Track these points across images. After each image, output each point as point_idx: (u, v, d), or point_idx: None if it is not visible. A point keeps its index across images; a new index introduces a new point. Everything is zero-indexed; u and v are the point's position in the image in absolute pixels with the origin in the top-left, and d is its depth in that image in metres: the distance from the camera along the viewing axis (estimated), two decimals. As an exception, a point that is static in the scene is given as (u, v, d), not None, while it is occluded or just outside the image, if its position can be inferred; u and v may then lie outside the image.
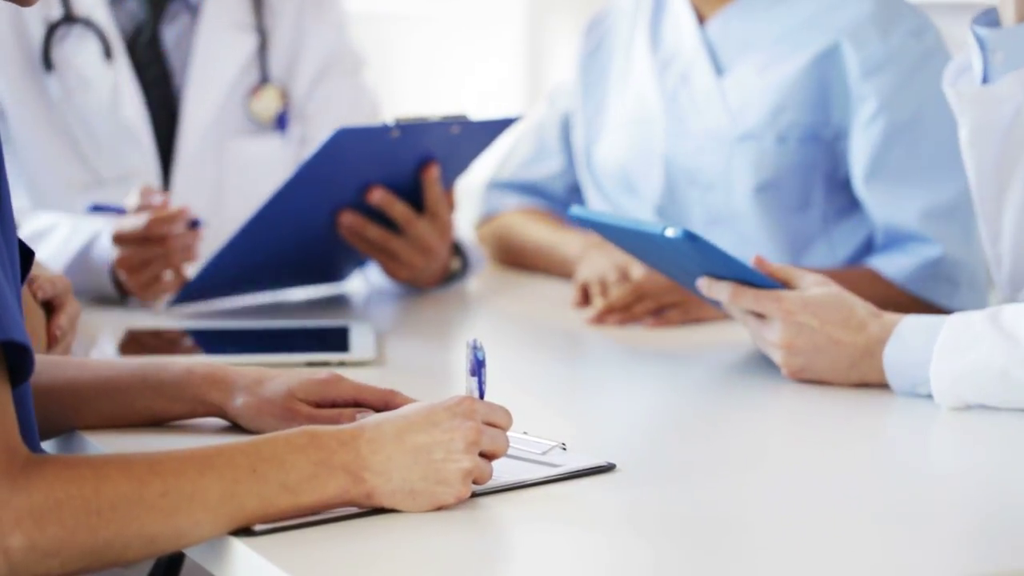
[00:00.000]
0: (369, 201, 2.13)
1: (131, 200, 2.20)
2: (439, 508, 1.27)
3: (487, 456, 1.30)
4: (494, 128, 2.19)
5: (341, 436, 1.25)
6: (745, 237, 2.28)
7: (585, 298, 2.18)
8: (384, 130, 2.05)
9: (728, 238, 2.25)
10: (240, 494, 1.20)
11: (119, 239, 2.13)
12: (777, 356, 1.71)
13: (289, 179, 2.05)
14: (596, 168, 2.43)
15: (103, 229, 2.18)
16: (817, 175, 2.25)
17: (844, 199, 2.27)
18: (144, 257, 2.13)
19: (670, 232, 1.69)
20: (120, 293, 2.18)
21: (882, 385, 1.68)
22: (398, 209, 2.15)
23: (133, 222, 2.13)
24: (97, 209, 2.23)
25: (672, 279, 1.92)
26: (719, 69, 2.30)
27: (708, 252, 1.71)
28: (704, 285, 1.76)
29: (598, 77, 2.46)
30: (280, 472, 1.22)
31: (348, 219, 2.15)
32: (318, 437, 1.25)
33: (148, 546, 1.18)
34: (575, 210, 1.96)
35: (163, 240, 2.12)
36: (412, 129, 2.07)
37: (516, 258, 2.50)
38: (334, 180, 2.09)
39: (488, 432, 1.30)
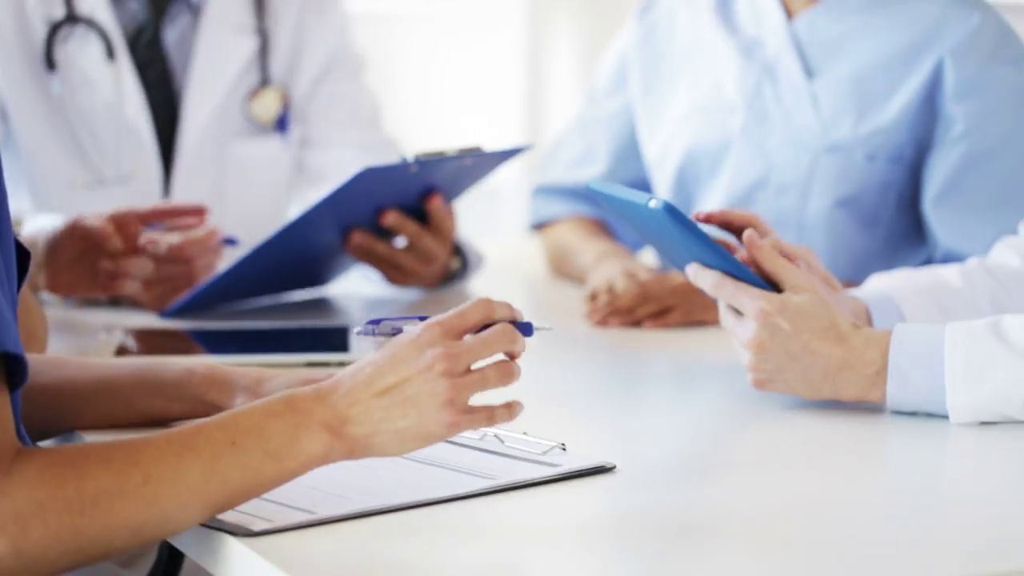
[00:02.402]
0: (384, 223, 2.17)
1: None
2: (428, 437, 1.25)
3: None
4: (503, 157, 2.22)
5: (317, 394, 1.24)
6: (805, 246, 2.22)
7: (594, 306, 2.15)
8: (404, 166, 2.09)
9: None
10: (222, 470, 1.20)
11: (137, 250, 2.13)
12: (746, 358, 1.63)
13: (308, 210, 2.07)
14: (652, 158, 2.36)
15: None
16: (892, 194, 2.19)
17: (910, 220, 2.20)
18: (163, 274, 2.12)
19: (653, 203, 1.61)
20: (110, 297, 2.17)
21: (855, 401, 1.62)
22: (410, 228, 2.19)
23: (164, 240, 2.13)
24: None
25: (673, 265, 1.87)
26: (808, 70, 2.22)
27: (689, 232, 1.62)
28: (692, 271, 1.67)
29: (655, 62, 2.38)
30: (260, 440, 1.21)
31: (359, 238, 2.18)
32: (294, 401, 1.24)
33: (135, 536, 1.18)
34: (592, 184, 1.87)
35: (188, 261, 2.12)
36: (430, 164, 2.10)
37: (562, 269, 2.45)
38: (350, 208, 2.14)
39: (461, 347, 1.26)
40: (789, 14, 2.25)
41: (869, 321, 1.75)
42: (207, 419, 1.22)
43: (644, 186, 2.39)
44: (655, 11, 2.40)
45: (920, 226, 2.21)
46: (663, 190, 2.35)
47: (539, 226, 2.51)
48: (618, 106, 2.44)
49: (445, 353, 1.26)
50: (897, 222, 2.21)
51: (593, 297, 2.13)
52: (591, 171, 2.44)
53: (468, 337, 1.28)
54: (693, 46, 2.34)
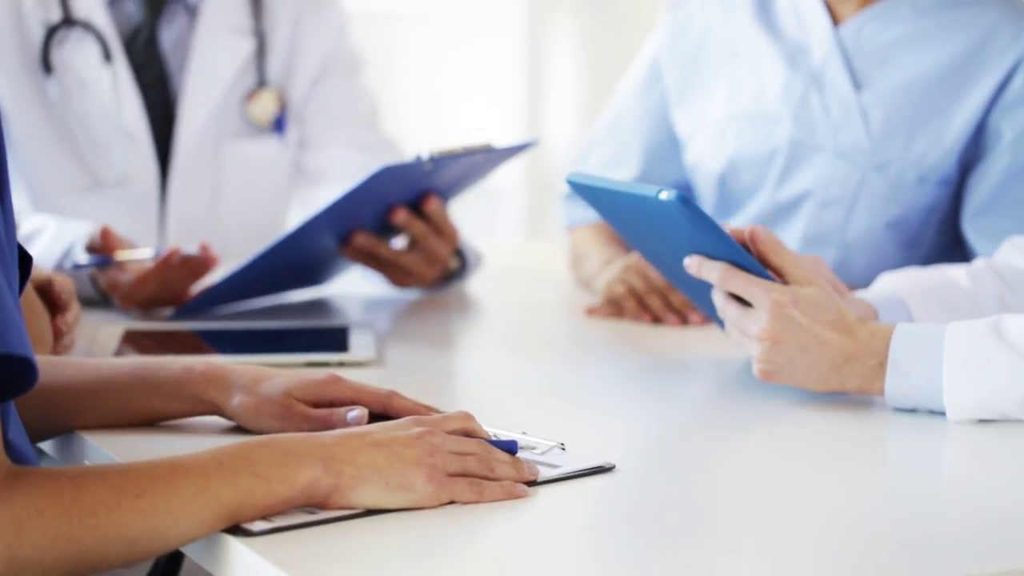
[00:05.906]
0: (394, 222, 2.17)
1: (89, 232, 2.16)
2: (410, 488, 1.27)
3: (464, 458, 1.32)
4: (512, 152, 2.22)
5: (307, 435, 1.28)
6: (846, 263, 2.19)
7: (617, 311, 2.13)
8: (419, 164, 2.08)
9: (826, 258, 2.15)
10: (212, 486, 1.21)
11: (112, 290, 2.12)
12: (756, 349, 1.63)
13: (322, 210, 2.06)
14: (691, 162, 2.32)
15: (82, 234, 2.17)
16: (936, 216, 2.16)
17: (948, 239, 2.18)
18: (144, 294, 2.12)
19: (664, 195, 1.59)
20: (102, 296, 2.17)
21: (858, 394, 1.63)
22: (418, 227, 2.19)
23: (126, 278, 2.11)
24: (79, 268, 2.14)
25: (659, 264, 1.86)
26: (856, 81, 2.17)
27: (701, 223, 1.62)
28: (694, 264, 1.67)
29: (690, 62, 2.33)
30: (247, 463, 1.23)
31: (361, 240, 2.17)
32: (282, 436, 1.27)
33: (129, 548, 1.19)
34: (571, 177, 1.84)
35: (160, 284, 2.10)
36: (443, 161, 2.10)
37: (575, 274, 2.41)
38: (360, 208, 2.13)
39: (445, 434, 1.32)
40: (835, 20, 2.20)
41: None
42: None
43: (683, 189, 2.32)
44: (687, 7, 2.35)
45: (957, 244, 2.18)
46: (706, 198, 2.32)
47: (570, 228, 2.46)
48: (650, 105, 2.39)
49: (430, 431, 1.31)
50: (936, 242, 2.19)
51: (616, 305, 2.12)
52: (622, 173, 2.39)
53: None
54: (730, 48, 2.29)
